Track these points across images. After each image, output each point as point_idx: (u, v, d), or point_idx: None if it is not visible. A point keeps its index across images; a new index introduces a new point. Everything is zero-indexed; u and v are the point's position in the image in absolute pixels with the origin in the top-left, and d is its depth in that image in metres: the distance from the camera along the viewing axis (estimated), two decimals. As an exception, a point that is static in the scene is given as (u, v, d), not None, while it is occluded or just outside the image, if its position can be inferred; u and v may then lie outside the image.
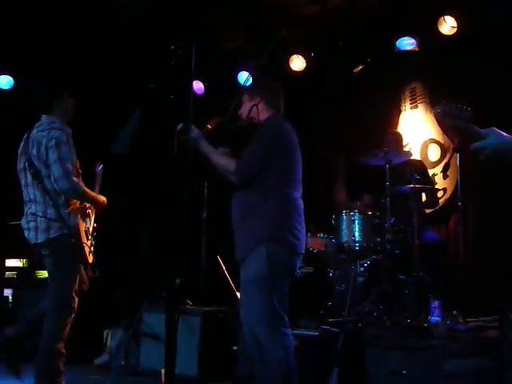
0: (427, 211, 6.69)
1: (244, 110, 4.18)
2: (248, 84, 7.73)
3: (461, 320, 5.35)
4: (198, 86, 7.97)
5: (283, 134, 4.03)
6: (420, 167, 6.55)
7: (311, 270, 6.37)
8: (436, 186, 6.95)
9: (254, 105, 4.13)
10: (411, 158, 6.53)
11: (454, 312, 5.50)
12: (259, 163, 3.90)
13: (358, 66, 7.36)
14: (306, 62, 7.69)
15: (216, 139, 3.98)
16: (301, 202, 4.05)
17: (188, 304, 6.17)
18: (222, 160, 3.97)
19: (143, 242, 8.41)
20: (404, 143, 7.21)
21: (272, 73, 7.49)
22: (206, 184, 6.27)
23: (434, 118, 7.27)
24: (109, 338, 6.51)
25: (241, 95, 4.25)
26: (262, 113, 4.14)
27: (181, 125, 3.71)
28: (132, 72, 7.17)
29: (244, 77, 7.88)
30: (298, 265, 4.04)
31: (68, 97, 4.61)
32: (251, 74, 7.64)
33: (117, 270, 7.71)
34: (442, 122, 3.01)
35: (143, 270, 7.69)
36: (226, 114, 4.12)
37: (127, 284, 7.26)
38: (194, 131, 3.88)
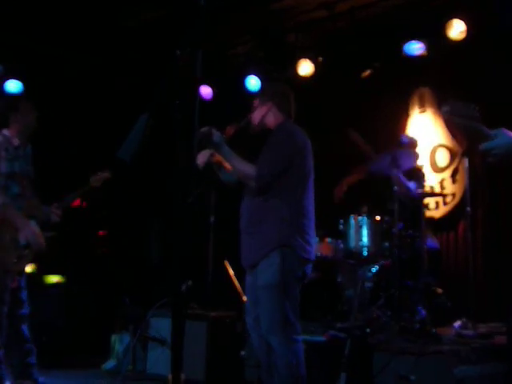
0: (436, 216, 6.67)
1: (256, 116, 4.19)
2: (258, 89, 7.86)
3: (470, 326, 5.33)
4: (206, 90, 7.98)
5: (298, 139, 4.06)
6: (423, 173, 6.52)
7: (319, 275, 6.35)
8: (444, 191, 6.94)
9: (267, 109, 4.15)
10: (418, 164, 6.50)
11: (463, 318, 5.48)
12: (279, 171, 3.93)
13: (366, 70, 7.34)
14: (314, 67, 7.68)
15: (233, 144, 3.99)
16: (313, 208, 4.07)
17: (195, 309, 6.18)
18: (243, 166, 3.98)
19: (153, 250, 8.42)
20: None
21: (281, 77, 7.61)
22: (213, 191, 6.27)
23: (442, 120, 7.27)
24: (116, 343, 6.51)
25: (252, 101, 4.27)
26: (275, 118, 4.15)
27: (203, 129, 3.72)
28: (140, 77, 7.20)
29: (252, 82, 7.87)
30: (309, 272, 4.04)
31: (28, 112, 5.03)
32: (260, 79, 7.71)
33: (125, 276, 7.74)
34: (449, 121, 2.98)
35: (151, 276, 7.71)
36: (243, 119, 4.15)
37: (135, 289, 7.26)
38: (216, 135, 3.89)
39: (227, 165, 4.18)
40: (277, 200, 3.88)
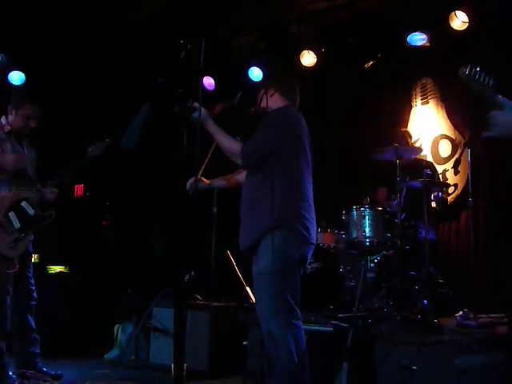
0: (438, 208, 6.65)
1: (263, 103, 4.18)
2: (260, 80, 7.85)
3: (471, 316, 5.32)
4: (208, 81, 7.97)
5: (292, 121, 4.04)
6: (430, 164, 6.52)
7: (321, 266, 6.35)
8: (447, 182, 6.92)
9: (264, 94, 4.14)
10: (422, 154, 6.48)
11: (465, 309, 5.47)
12: (265, 147, 3.92)
13: (369, 61, 7.31)
14: (317, 58, 7.66)
15: (224, 124, 3.98)
16: (310, 191, 4.04)
17: (198, 299, 6.18)
18: (228, 141, 3.98)
19: (156, 240, 8.42)
20: (414, 139, 7.16)
21: (284, 68, 7.60)
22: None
23: (444, 111, 7.26)
24: (119, 332, 6.52)
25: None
26: (274, 102, 4.13)
27: (188, 103, 3.69)
28: (143, 66, 7.18)
29: (255, 72, 7.86)
30: (309, 255, 4.01)
31: (25, 114, 5.18)
32: (263, 69, 7.70)
33: (128, 267, 7.74)
34: (464, 83, 2.97)
35: (154, 267, 7.70)
36: (233, 99, 4.13)
37: (138, 280, 7.27)
38: (202, 110, 3.86)
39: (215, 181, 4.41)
40: (271, 182, 3.86)
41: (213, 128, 3.95)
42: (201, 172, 4.24)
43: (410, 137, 6.78)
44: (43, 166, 5.40)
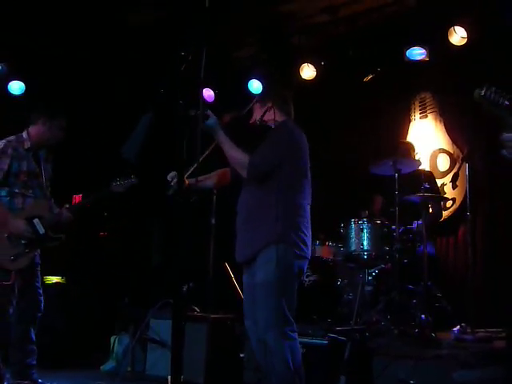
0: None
1: (257, 114, 4.20)
2: (259, 92, 7.86)
3: (468, 330, 5.30)
4: (208, 93, 7.97)
5: (297, 138, 4.08)
6: (429, 177, 6.51)
7: (319, 278, 6.34)
8: (445, 196, 6.92)
9: (268, 108, 4.15)
10: (420, 167, 6.48)
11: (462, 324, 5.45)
12: (272, 161, 3.94)
13: (368, 75, 7.33)
14: (316, 71, 7.67)
15: (231, 134, 3.98)
16: (309, 209, 4.09)
17: (195, 311, 6.15)
18: (236, 152, 3.97)
19: (154, 250, 8.40)
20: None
21: (283, 80, 7.60)
22: (214, 191, 6.25)
23: (442, 125, 7.27)
24: (116, 344, 6.48)
25: (252, 103, 4.27)
26: (275, 116, 4.15)
27: (199, 111, 3.70)
28: (144, 77, 7.17)
29: (255, 85, 7.86)
30: (306, 268, 4.06)
31: (56, 129, 5.18)
32: (263, 81, 7.71)
33: (125, 277, 7.70)
34: (479, 103, 2.98)
35: (152, 277, 7.68)
36: (244, 109, 4.18)
37: (135, 290, 7.23)
38: (212, 118, 3.88)
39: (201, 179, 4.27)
40: (272, 197, 3.89)
41: (222, 138, 3.95)
42: (188, 173, 4.15)
43: (413, 149, 6.78)
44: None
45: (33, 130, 5.18)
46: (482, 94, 2.91)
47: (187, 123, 3.24)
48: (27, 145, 5.11)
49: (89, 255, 8.10)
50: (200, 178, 4.22)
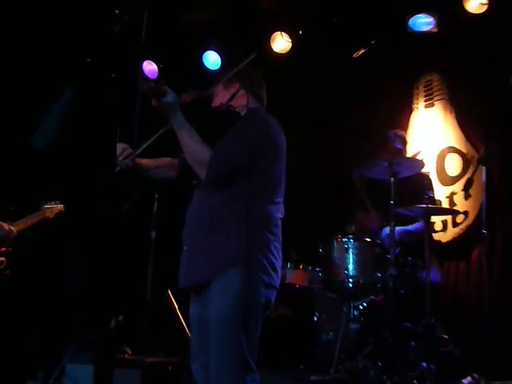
0: (443, 240, 6.69)
1: (221, 97, 4.15)
2: (218, 68, 7.85)
3: (482, 382, 5.33)
4: (149, 67, 7.92)
5: (274, 133, 4.01)
6: (430, 182, 6.54)
7: (290, 312, 6.33)
8: (455, 208, 6.96)
9: (236, 90, 4.12)
10: (423, 170, 6.51)
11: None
12: (240, 161, 3.82)
13: (359, 50, 7.35)
14: (292, 43, 7.67)
15: (190, 120, 3.91)
16: (280, 223, 4.03)
17: (126, 352, 6.09)
18: (198, 144, 3.85)
19: (70, 272, 8.31)
20: (414, 152, 7.20)
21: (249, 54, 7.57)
22: (156, 195, 6.21)
23: (454, 115, 7.31)
24: (21, 395, 6.40)
25: (214, 85, 4.23)
26: (244, 102, 4.09)
27: (152, 84, 3.63)
28: (62, 42, 7.09)
29: (211, 58, 7.85)
30: (273, 300, 3.97)
31: None
32: (222, 55, 7.69)
33: (35, 308, 7.60)
34: None
35: (69, 307, 7.60)
36: (209, 88, 4.12)
37: (47, 325, 7.15)
38: (171, 95, 3.79)
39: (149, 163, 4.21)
40: (235, 206, 3.82)
41: (181, 121, 3.83)
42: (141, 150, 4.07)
43: (406, 142, 6.77)
44: None
45: None
46: None
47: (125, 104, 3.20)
48: None
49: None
50: (145, 162, 4.19)
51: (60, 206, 6.19)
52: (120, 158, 4.00)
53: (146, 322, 5.98)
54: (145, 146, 3.91)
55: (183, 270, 4.00)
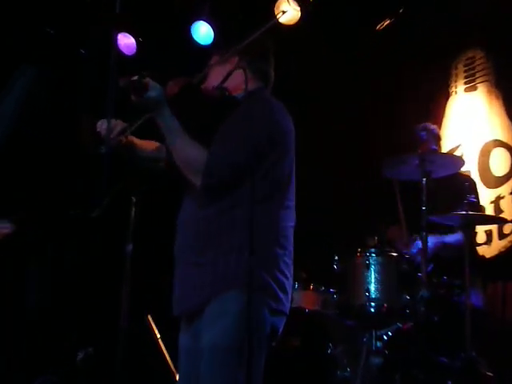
0: (487, 255, 6.69)
1: (215, 77, 4.16)
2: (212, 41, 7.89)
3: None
4: (127, 40, 7.94)
5: (282, 122, 4.00)
6: (472, 184, 6.55)
7: (300, 343, 6.35)
8: (502, 216, 6.97)
9: (235, 68, 4.08)
10: (463, 169, 6.52)
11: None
12: (245, 164, 3.79)
13: (383, 21, 7.38)
14: (301, 12, 7.69)
15: (179, 114, 3.90)
16: (292, 234, 4.02)
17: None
18: (188, 146, 3.84)
19: (30, 292, 8.35)
20: (452, 146, 7.22)
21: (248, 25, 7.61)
22: (133, 199, 6.22)
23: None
24: None
25: (210, 57, 4.24)
26: (243, 82, 4.03)
27: (135, 77, 3.62)
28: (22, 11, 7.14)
29: (202, 30, 7.88)
30: (281, 328, 3.98)
31: None
32: (215, 26, 7.71)
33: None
34: None
35: (29, 335, 7.64)
36: (197, 75, 4.11)
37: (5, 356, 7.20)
38: (155, 89, 3.75)
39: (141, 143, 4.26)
40: (236, 214, 3.82)
41: (169, 119, 3.83)
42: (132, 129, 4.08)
43: (439, 137, 6.79)
44: None
45: None
46: None
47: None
48: None
49: None
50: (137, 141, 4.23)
51: (6, 230, 5.67)
52: (112, 135, 4.00)
53: (121, 353, 6.01)
54: (140, 122, 3.93)
55: (177, 293, 4.00)
